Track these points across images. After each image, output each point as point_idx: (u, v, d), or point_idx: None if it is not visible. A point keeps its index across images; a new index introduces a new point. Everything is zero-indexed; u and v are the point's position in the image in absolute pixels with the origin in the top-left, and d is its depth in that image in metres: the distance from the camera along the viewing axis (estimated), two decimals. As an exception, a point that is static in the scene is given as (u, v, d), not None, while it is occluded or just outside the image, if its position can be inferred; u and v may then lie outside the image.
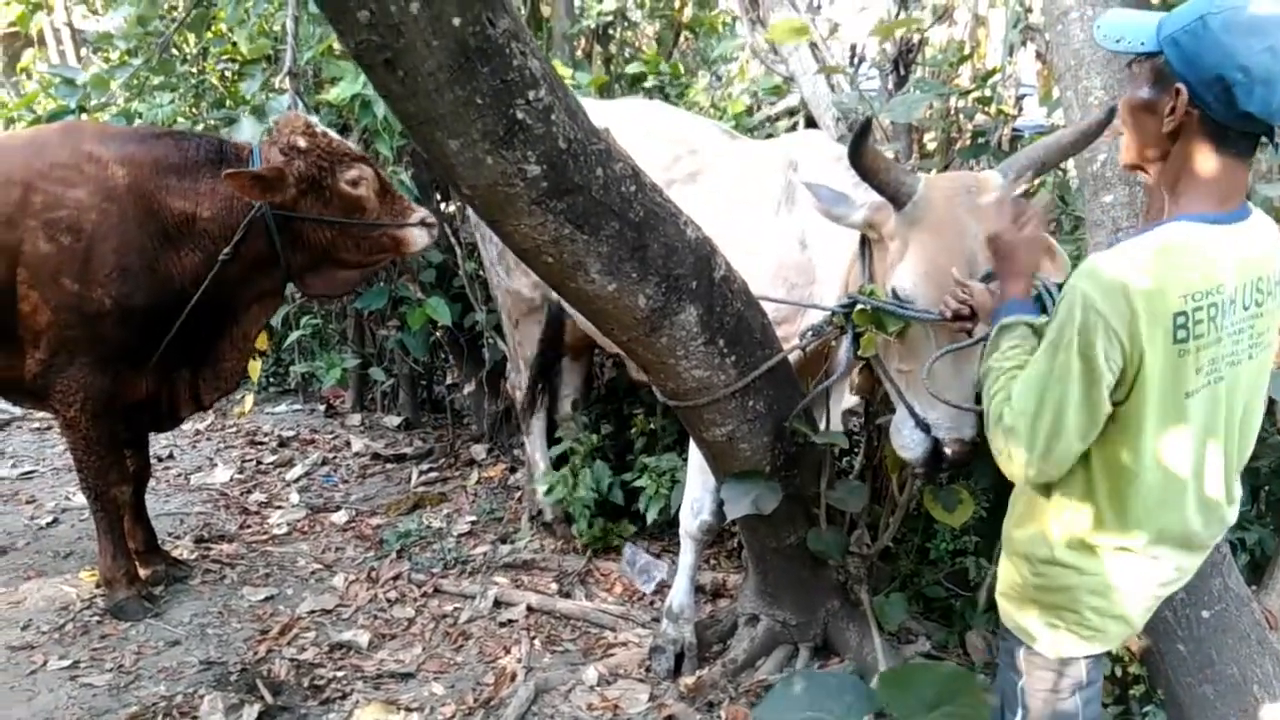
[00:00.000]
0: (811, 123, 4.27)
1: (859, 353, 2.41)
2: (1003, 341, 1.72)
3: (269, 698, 3.04)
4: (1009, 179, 2.25)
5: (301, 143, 3.22)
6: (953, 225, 2.15)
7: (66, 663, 3.23)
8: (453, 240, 4.78)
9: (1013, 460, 1.63)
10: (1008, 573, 1.86)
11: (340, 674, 3.25)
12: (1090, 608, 1.72)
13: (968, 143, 3.97)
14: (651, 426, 4.04)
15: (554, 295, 3.46)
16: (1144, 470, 1.61)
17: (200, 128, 5.16)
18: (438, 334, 5.15)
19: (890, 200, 2.23)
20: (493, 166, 1.90)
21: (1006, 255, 1.82)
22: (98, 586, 3.69)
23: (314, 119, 3.35)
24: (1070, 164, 3.81)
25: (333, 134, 3.32)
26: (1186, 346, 1.53)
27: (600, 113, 3.36)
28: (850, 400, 2.86)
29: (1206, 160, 1.55)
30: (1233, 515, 1.78)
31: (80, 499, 4.57)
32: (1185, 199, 1.58)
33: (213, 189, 3.27)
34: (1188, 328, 1.52)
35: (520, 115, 1.85)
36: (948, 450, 2.19)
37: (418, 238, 3.47)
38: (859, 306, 2.33)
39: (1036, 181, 3.96)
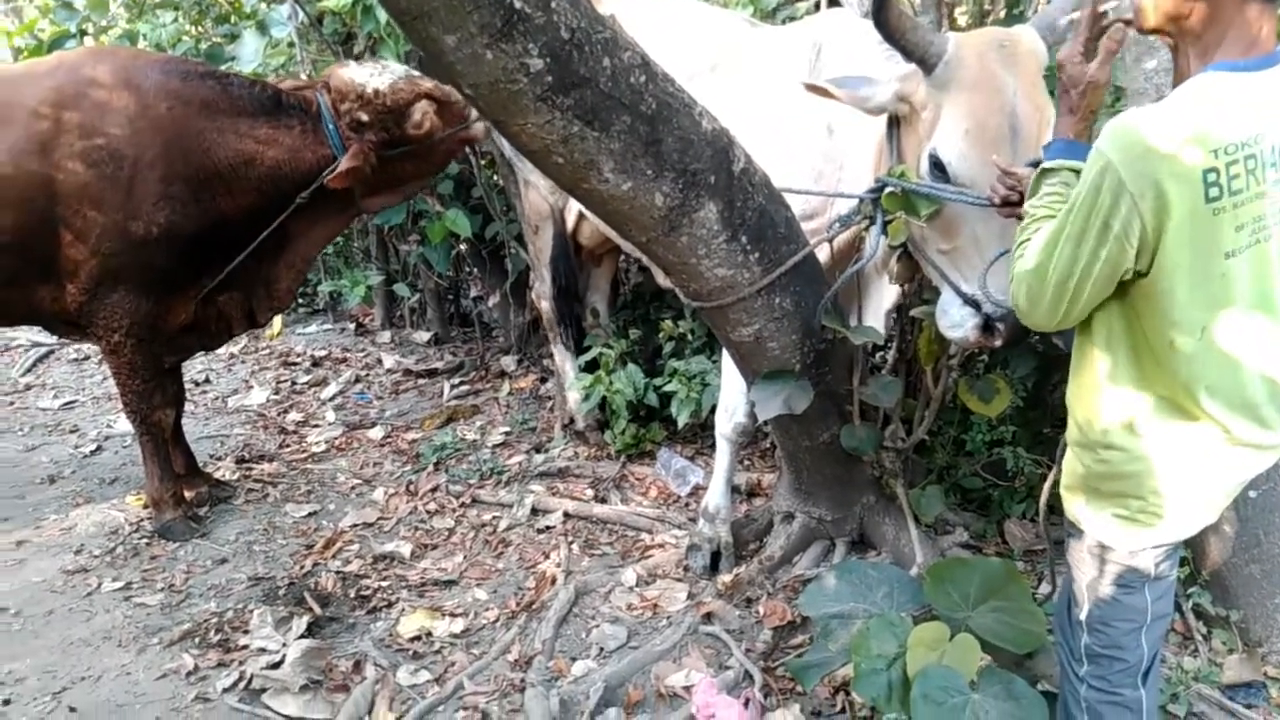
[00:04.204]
0: (834, 2, 4.05)
1: (889, 241, 2.30)
2: (1042, 186, 1.68)
3: (317, 609, 3.12)
4: (1047, 32, 2.10)
5: (365, 117, 3.24)
6: (989, 81, 2.02)
7: (120, 584, 3.33)
8: (468, 150, 4.65)
9: (1022, 304, 1.63)
10: (1070, 463, 1.79)
11: (385, 584, 3.32)
12: (1154, 492, 1.63)
13: (1001, 15, 3.75)
14: (680, 330, 3.99)
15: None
16: (1188, 343, 1.51)
17: (204, 46, 5.03)
18: (460, 247, 5.09)
19: (919, 63, 2.09)
20: (493, 62, 1.80)
21: (1066, 88, 1.70)
22: (145, 509, 3.78)
23: (353, 72, 3.28)
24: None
25: (381, 83, 3.25)
26: (1221, 204, 1.42)
27: (615, 5, 3.22)
28: (891, 299, 2.74)
29: (1239, 8, 1.47)
30: None
31: (122, 426, 4.68)
32: (1214, 52, 1.50)
33: (274, 137, 3.26)
34: (1221, 184, 1.41)
35: (518, 4, 1.74)
36: (999, 325, 2.10)
37: (483, 130, 3.51)
38: (888, 190, 2.22)
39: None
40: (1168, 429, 1.60)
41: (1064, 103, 1.71)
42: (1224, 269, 1.46)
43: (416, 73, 3.38)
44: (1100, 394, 1.66)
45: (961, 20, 4.08)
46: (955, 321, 2.17)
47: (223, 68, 4.06)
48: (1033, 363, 2.92)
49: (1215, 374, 1.53)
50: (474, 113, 3.40)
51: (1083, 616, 1.80)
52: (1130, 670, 1.78)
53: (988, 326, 2.11)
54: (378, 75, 3.26)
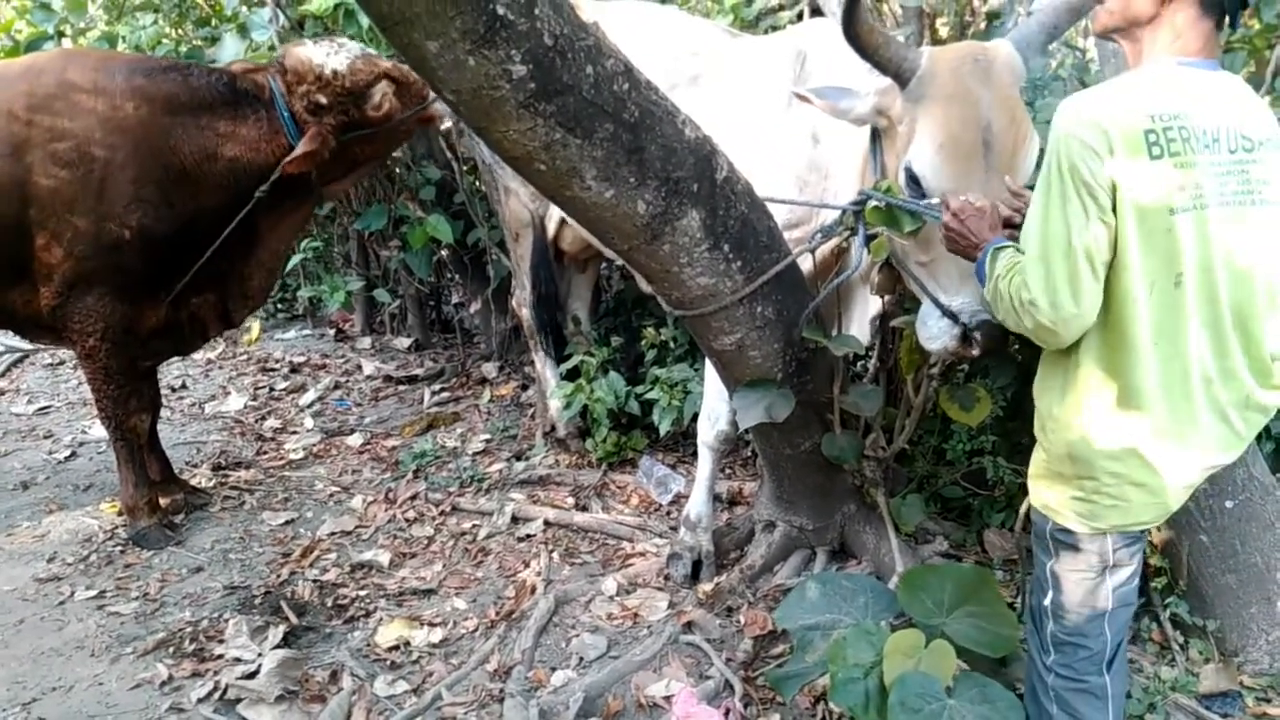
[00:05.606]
0: (817, 11, 4.07)
1: (872, 258, 2.31)
2: (1000, 260, 1.77)
3: (294, 619, 3.08)
4: (1025, 46, 2.13)
5: (323, 99, 3.18)
6: (963, 95, 2.03)
7: (93, 592, 3.28)
8: (450, 155, 4.65)
9: (1042, 303, 1.62)
10: (1036, 452, 1.87)
11: (363, 593, 3.29)
12: (1108, 473, 1.70)
13: (982, 28, 3.77)
14: (662, 338, 3.99)
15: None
16: (1140, 304, 1.58)
17: (184, 48, 4.99)
18: (441, 253, 5.07)
19: (894, 78, 2.11)
20: (475, 68, 1.79)
21: (961, 234, 1.87)
22: (119, 516, 3.73)
23: (310, 52, 3.22)
24: (1090, 43, 3.63)
25: (339, 63, 3.20)
26: (1164, 162, 1.55)
27: (595, 15, 3.22)
28: (875, 308, 2.75)
29: (1190, 19, 1.64)
30: (1270, 395, 1.70)
31: (96, 432, 4.63)
32: (1160, 52, 1.67)
33: (233, 130, 3.22)
34: (1161, 144, 1.55)
35: (501, 10, 1.74)
36: (977, 335, 2.11)
37: (444, 111, 3.43)
38: (871, 203, 2.22)
39: (1053, 64, 3.80)
40: (1119, 412, 1.67)
41: (969, 242, 1.87)
42: (1169, 224, 1.56)
43: (373, 51, 3.34)
44: (1060, 380, 1.75)
45: (943, 31, 4.11)
46: (934, 334, 2.18)
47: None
48: (1013, 372, 2.93)
49: (1162, 346, 1.61)
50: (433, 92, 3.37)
51: (1047, 603, 1.88)
52: (1094, 658, 1.85)
53: (965, 337, 2.12)
54: (334, 54, 3.21)
